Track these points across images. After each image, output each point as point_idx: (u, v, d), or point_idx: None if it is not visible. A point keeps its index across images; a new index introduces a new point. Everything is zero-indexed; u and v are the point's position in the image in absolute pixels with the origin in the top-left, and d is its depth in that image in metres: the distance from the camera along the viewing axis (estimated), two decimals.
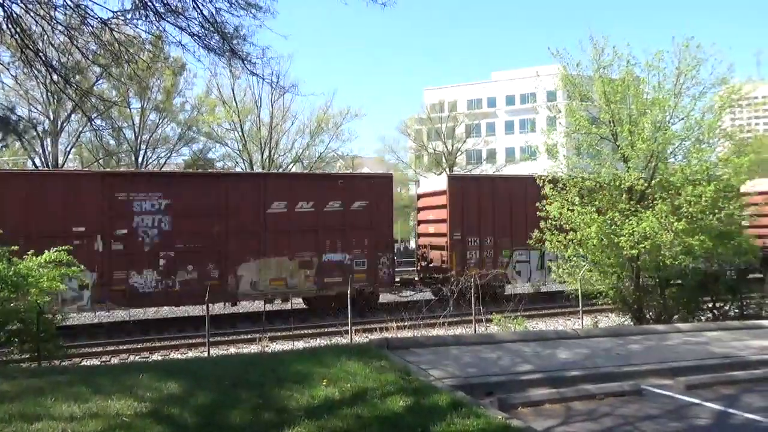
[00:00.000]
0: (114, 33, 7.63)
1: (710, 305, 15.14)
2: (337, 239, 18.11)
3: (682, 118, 13.67)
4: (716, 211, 12.83)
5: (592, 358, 9.03)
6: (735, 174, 13.11)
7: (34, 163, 36.97)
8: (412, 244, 40.31)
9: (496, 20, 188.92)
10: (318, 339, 15.45)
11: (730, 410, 7.05)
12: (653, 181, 13.42)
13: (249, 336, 15.44)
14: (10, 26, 7.12)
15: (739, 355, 9.45)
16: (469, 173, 41.57)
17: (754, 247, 14.22)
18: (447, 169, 52.53)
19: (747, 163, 13.22)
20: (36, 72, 8.74)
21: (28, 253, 10.48)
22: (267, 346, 14.35)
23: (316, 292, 17.95)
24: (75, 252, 11.18)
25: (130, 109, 39.02)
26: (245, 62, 8.26)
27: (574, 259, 13.90)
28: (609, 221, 13.16)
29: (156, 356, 13.87)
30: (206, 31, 7.72)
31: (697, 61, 13.12)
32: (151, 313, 18.62)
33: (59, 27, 7.56)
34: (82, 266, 11.53)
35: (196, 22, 7.62)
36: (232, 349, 14.43)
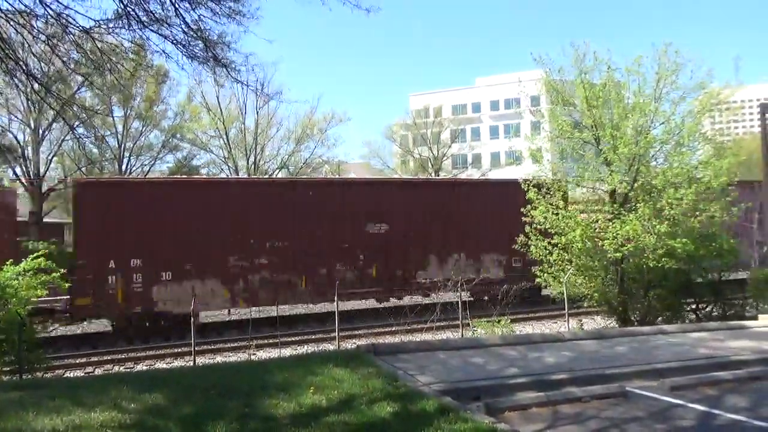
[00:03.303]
0: (96, 42, 7.57)
1: (693, 307, 15.33)
2: None
3: (663, 122, 13.89)
4: (697, 213, 13.03)
5: (578, 361, 9.10)
6: (715, 176, 13.33)
7: (14, 173, 36.44)
8: None
9: (480, 27, 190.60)
10: (305, 346, 15.39)
11: (714, 411, 7.13)
12: (636, 185, 13.59)
13: (235, 344, 15.34)
14: None
15: (722, 355, 9.57)
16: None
17: (734, 249, 14.43)
18: (433, 174, 52.64)
19: (726, 165, 13.45)
20: (16, 81, 8.65)
21: (7, 262, 10.31)
22: (254, 354, 14.26)
23: None
24: None
25: (113, 117, 38.62)
26: (229, 70, 8.25)
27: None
28: (593, 224, 13.29)
29: (141, 366, 13.72)
30: (190, 39, 7.69)
31: (676, 66, 13.36)
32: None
33: (40, 36, 7.49)
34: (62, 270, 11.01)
35: (180, 30, 7.60)
36: (219, 358, 14.32)
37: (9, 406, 6.32)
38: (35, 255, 10.51)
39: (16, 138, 36.34)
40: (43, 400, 6.48)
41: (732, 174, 13.99)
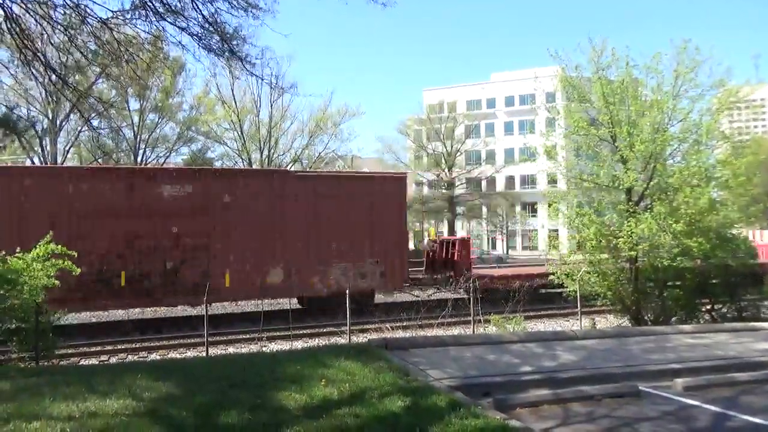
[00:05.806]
0: (113, 33, 7.63)
1: (708, 307, 15.15)
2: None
3: (681, 120, 13.71)
4: (714, 212, 12.86)
5: (591, 359, 9.04)
6: (733, 176, 13.14)
7: (32, 162, 36.93)
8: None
9: (496, 22, 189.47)
10: (316, 339, 15.44)
11: (729, 412, 7.04)
12: (652, 183, 13.44)
13: (247, 336, 15.42)
14: (9, 26, 7.12)
15: (737, 356, 9.46)
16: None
17: (751, 249, 14.23)
18: (446, 170, 52.49)
19: (745, 164, 13.26)
20: (35, 72, 8.75)
21: (18, 250, 10.25)
22: (265, 346, 14.35)
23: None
24: None
25: (128, 109, 38.99)
26: (245, 62, 8.29)
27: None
28: (608, 222, 13.19)
29: (154, 356, 13.84)
30: (206, 32, 7.73)
31: (695, 63, 13.17)
32: (149, 312, 18.59)
33: (59, 27, 7.56)
34: (75, 253, 10.73)
35: (196, 23, 7.64)
36: (231, 349, 14.42)
37: (26, 391, 6.42)
38: (47, 241, 10.43)
39: (34, 126, 36.85)
40: (59, 387, 6.57)
41: (750, 173, 13.79)
